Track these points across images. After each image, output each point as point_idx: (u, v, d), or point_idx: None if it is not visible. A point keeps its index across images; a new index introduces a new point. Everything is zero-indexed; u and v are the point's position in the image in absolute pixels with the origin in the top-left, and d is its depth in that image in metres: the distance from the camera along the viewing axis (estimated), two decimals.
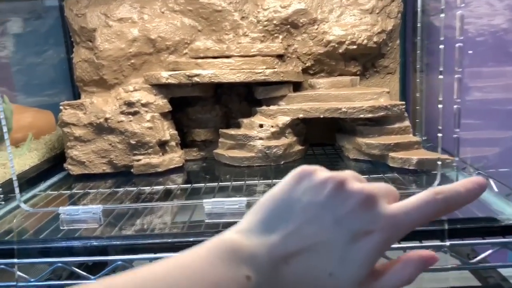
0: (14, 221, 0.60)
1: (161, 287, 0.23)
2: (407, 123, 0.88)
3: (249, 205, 0.58)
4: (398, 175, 0.82)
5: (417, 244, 0.57)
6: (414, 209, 0.28)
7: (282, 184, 0.30)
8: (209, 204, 0.55)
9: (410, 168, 0.81)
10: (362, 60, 1.00)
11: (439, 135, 0.62)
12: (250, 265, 0.25)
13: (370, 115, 0.85)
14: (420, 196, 0.28)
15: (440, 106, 0.60)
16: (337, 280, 0.27)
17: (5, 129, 0.67)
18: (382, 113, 0.85)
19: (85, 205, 0.59)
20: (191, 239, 0.56)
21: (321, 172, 0.29)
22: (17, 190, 0.58)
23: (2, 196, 0.60)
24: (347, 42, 0.94)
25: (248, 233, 0.27)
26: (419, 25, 1.02)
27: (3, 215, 0.66)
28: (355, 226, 0.27)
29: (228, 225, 0.60)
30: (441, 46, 0.60)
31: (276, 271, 0.26)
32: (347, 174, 0.29)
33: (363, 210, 0.27)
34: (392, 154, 0.83)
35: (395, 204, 0.28)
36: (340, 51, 0.96)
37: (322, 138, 1.05)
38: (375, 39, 0.95)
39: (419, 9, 1.02)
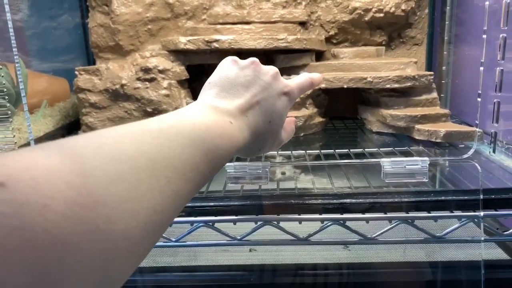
0: None
1: (156, 136, 0.27)
2: (434, 94, 0.85)
3: (271, 171, 0.55)
4: (424, 148, 0.78)
5: (448, 213, 0.54)
6: (301, 85, 0.47)
7: (221, 70, 0.41)
8: (231, 167, 0.53)
9: (436, 141, 0.78)
10: (388, 29, 0.95)
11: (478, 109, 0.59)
12: (229, 115, 0.36)
13: (396, 85, 0.82)
14: (303, 77, 0.48)
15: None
16: (272, 126, 0.41)
17: (23, 92, 0.65)
18: (409, 84, 0.82)
19: None
20: (211, 204, 0.54)
21: (240, 60, 0.43)
22: None
23: None
24: (373, 10, 0.90)
25: (219, 100, 0.38)
26: None
27: None
28: (278, 88, 0.42)
29: (249, 190, 0.58)
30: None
31: (245, 118, 0.37)
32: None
33: (277, 79, 0.43)
34: (418, 126, 0.80)
35: (291, 81, 0.46)
36: (366, 19, 0.91)
37: (342, 111, 1.01)
38: (403, 7, 0.90)
39: None
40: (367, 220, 0.52)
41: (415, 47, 0.99)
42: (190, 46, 0.86)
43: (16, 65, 0.57)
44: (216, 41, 0.85)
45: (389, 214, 0.52)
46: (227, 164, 0.54)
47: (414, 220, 0.51)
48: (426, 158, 0.52)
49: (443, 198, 0.52)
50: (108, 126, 0.77)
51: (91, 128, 0.87)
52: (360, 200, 0.53)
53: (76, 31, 1.05)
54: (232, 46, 0.85)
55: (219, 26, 0.90)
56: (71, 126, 0.94)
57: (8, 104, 0.56)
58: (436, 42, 1.02)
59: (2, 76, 0.57)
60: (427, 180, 0.52)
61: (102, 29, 0.95)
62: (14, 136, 0.57)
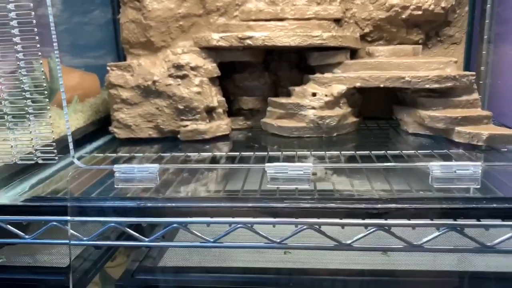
0: (68, 177, 0.57)
1: None
2: (475, 95, 0.81)
3: (314, 172, 0.53)
4: (464, 151, 0.75)
5: (499, 222, 0.51)
6: None
7: None
8: (272, 168, 0.51)
9: (478, 144, 0.75)
10: (425, 27, 0.92)
11: None
12: None
13: (436, 86, 0.79)
14: None
15: None
16: None
17: (62, 88, 0.64)
18: (449, 84, 0.79)
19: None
20: (249, 204, 0.52)
21: None
22: (71, 145, 0.55)
23: (56, 151, 0.57)
24: (411, 7, 0.87)
25: None
26: None
27: (54, 173, 0.64)
28: None
29: (288, 191, 0.57)
30: None
31: None
32: None
33: None
34: (458, 128, 0.77)
35: None
36: (403, 16, 0.88)
37: (375, 111, 0.99)
38: (443, 4, 0.87)
39: None
40: (413, 226, 0.50)
41: (453, 46, 0.95)
42: (222, 43, 0.85)
43: (56, 60, 0.57)
44: (250, 38, 0.83)
45: (436, 221, 0.50)
46: (267, 164, 0.52)
47: (463, 227, 0.49)
48: (478, 163, 0.50)
49: (494, 205, 0.49)
50: (140, 123, 0.76)
51: (122, 124, 0.87)
52: (406, 205, 0.50)
53: (107, 27, 1.05)
54: (266, 43, 0.83)
55: (251, 23, 0.88)
56: (101, 122, 0.94)
57: (47, 99, 0.56)
58: (475, 41, 0.98)
59: (42, 71, 0.56)
60: (479, 186, 0.50)
61: (134, 25, 0.95)
62: (52, 131, 0.56)
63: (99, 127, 0.93)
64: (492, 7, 0.94)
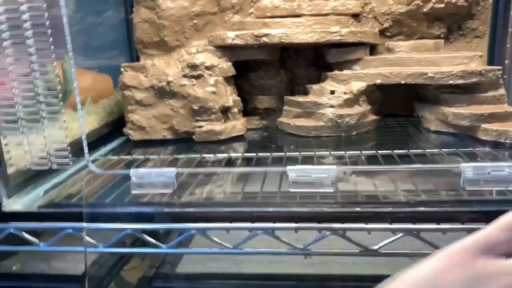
0: (83, 182, 0.56)
1: None
2: (502, 91, 0.78)
3: (339, 176, 0.51)
4: (491, 150, 0.72)
5: None
6: None
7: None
8: (294, 171, 0.49)
9: (506, 142, 0.71)
10: (447, 21, 0.89)
11: None
12: None
13: (460, 81, 0.75)
14: None
15: None
16: None
17: (76, 90, 0.63)
18: (474, 79, 0.75)
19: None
20: (270, 209, 0.50)
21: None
22: (86, 149, 0.54)
23: (70, 155, 0.56)
24: (433, 0, 0.84)
25: None
26: None
27: (68, 177, 0.63)
28: None
29: (311, 196, 0.54)
30: None
31: None
32: None
33: None
34: (484, 126, 0.73)
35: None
36: (425, 10, 0.85)
37: (395, 108, 0.96)
38: None
39: None
40: (443, 231, 0.47)
41: (476, 39, 0.92)
42: (238, 41, 0.83)
43: (71, 61, 0.55)
44: (266, 35, 0.81)
45: (467, 225, 0.47)
46: (289, 167, 0.50)
47: None
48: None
49: None
50: (154, 124, 0.74)
51: (136, 125, 0.85)
52: (435, 208, 0.48)
53: (120, 27, 1.04)
54: (283, 40, 0.81)
55: (267, 20, 0.86)
56: (115, 124, 0.93)
57: (61, 103, 0.54)
58: (499, 34, 0.94)
59: (56, 73, 0.55)
60: None
61: (147, 25, 0.93)
62: (67, 136, 0.55)
63: (113, 128, 0.92)
64: None
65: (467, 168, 0.47)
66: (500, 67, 0.76)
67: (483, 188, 0.47)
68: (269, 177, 0.65)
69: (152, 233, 0.53)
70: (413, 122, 0.92)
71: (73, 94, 0.85)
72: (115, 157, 0.79)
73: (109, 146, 0.87)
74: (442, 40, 0.88)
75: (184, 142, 0.85)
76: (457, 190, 0.49)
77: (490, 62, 0.95)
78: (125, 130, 0.87)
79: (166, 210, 0.50)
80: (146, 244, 0.52)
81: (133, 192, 0.51)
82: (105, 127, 0.90)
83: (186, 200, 0.53)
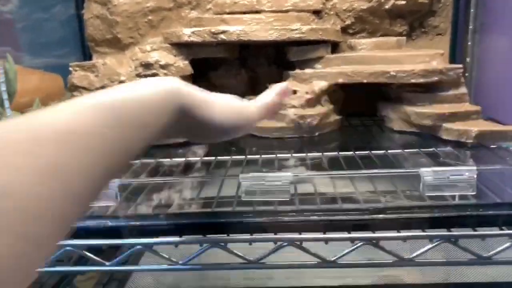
0: None
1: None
2: (463, 89, 0.77)
3: (293, 182, 0.48)
4: (453, 149, 0.71)
5: (497, 231, 0.47)
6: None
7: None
8: (247, 179, 0.46)
9: (467, 141, 0.70)
10: (409, 18, 0.88)
11: None
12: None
13: (422, 80, 0.74)
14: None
15: None
16: None
17: (5, 95, 0.58)
18: (436, 78, 0.74)
19: None
20: (222, 220, 0.47)
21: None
22: None
23: None
24: None
25: None
26: None
27: None
28: None
29: (265, 203, 0.51)
30: None
31: None
32: None
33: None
34: (446, 125, 0.72)
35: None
36: (387, 7, 0.83)
37: (358, 108, 0.94)
38: None
39: None
40: (404, 239, 0.45)
41: (438, 37, 0.91)
42: (194, 39, 0.79)
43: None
44: (223, 32, 0.77)
45: (429, 232, 0.45)
46: (241, 175, 0.47)
47: (458, 239, 0.44)
48: (474, 167, 0.45)
49: (491, 212, 0.45)
50: None
51: None
52: (395, 215, 0.46)
53: (70, 23, 0.97)
54: (241, 38, 0.77)
55: (226, 16, 0.82)
56: None
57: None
58: (460, 32, 0.94)
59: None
60: (474, 193, 0.45)
61: (99, 21, 0.88)
62: None
63: None
64: None
65: (426, 173, 0.45)
66: (461, 66, 0.76)
67: (443, 193, 0.45)
68: (227, 183, 0.62)
69: (98, 250, 0.49)
70: (377, 122, 0.90)
71: (16, 96, 0.79)
72: None
73: None
74: (404, 38, 0.86)
75: None
76: (417, 195, 0.47)
77: (452, 59, 0.95)
78: None
79: (110, 224, 0.46)
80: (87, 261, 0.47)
81: None
82: None
83: (133, 213, 0.49)
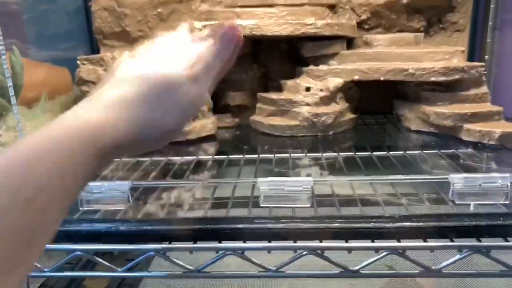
0: None
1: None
2: (484, 89, 0.74)
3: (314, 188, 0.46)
4: (474, 151, 0.68)
5: None
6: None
7: None
8: (265, 184, 0.43)
9: (490, 143, 0.68)
10: (427, 14, 0.85)
11: None
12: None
13: (442, 78, 0.71)
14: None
15: None
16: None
17: (11, 91, 0.56)
18: (457, 76, 0.71)
19: (109, 180, 0.48)
20: (238, 226, 0.45)
21: None
22: None
23: None
24: None
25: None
26: None
27: None
28: None
29: (284, 211, 0.49)
30: None
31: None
32: None
33: None
34: (468, 126, 0.70)
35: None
36: (404, 1, 0.81)
37: (372, 105, 0.91)
38: None
39: None
40: (431, 249, 0.42)
41: (456, 33, 0.88)
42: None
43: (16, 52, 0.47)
44: None
45: (456, 242, 0.43)
46: (260, 180, 0.44)
47: (489, 249, 0.42)
48: (507, 175, 0.43)
49: None
50: None
51: None
52: (422, 224, 0.43)
53: (78, 15, 0.95)
54: (254, 33, 0.75)
55: (238, 9, 0.80)
56: None
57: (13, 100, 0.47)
58: (480, 28, 0.91)
59: (6, 68, 0.48)
60: (508, 202, 0.43)
61: (107, 13, 0.85)
62: (1, 135, 0.47)
63: None
64: None
65: (457, 180, 0.43)
66: (483, 64, 0.73)
67: (474, 202, 0.43)
68: (240, 185, 0.60)
69: (107, 252, 0.46)
70: (392, 120, 0.88)
71: (22, 90, 0.77)
72: None
73: None
74: (422, 34, 0.83)
75: None
76: (445, 203, 0.45)
77: (471, 57, 0.92)
78: None
79: (121, 228, 0.44)
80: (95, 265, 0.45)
81: (81, 208, 0.44)
82: None
83: (144, 217, 0.47)
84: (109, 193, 0.43)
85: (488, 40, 0.90)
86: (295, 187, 0.42)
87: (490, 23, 0.89)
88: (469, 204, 0.43)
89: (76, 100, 0.89)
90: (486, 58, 0.91)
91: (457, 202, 0.43)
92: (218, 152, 0.76)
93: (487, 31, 0.90)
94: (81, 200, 0.44)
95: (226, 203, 0.51)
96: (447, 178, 0.44)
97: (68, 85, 0.93)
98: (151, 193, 0.53)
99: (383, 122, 0.88)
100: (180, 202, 0.53)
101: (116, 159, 0.72)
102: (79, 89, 0.78)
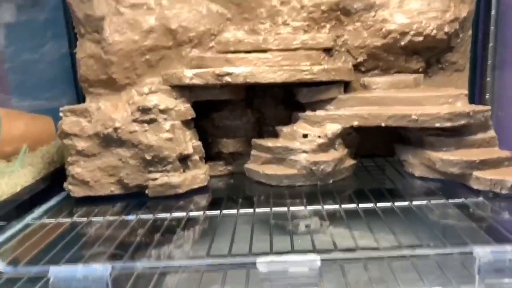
0: None
1: None
2: (492, 133, 0.71)
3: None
4: (486, 201, 0.64)
5: None
6: None
7: None
8: (265, 265, 0.38)
9: (502, 192, 0.63)
10: (426, 54, 0.82)
11: None
12: None
13: (448, 124, 0.68)
14: None
15: None
16: None
17: None
18: (463, 122, 0.68)
19: (86, 262, 0.42)
20: None
21: None
22: None
23: None
24: (411, 33, 0.77)
25: None
26: (493, 12, 0.84)
27: None
28: None
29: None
30: None
31: None
32: None
33: None
34: (477, 174, 0.65)
35: None
36: (402, 43, 0.78)
37: (371, 148, 0.87)
38: (446, 29, 0.77)
39: None
40: None
41: (456, 73, 0.85)
42: (197, 81, 0.72)
43: None
44: (229, 74, 0.71)
45: None
46: (259, 260, 0.38)
47: None
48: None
49: None
50: (99, 178, 0.62)
51: (78, 180, 0.72)
52: None
53: (62, 62, 0.91)
54: (248, 80, 0.71)
55: (230, 55, 0.76)
56: (55, 176, 0.80)
57: None
58: (479, 67, 0.88)
59: None
60: None
61: (93, 60, 0.82)
62: None
63: (52, 182, 0.79)
64: (496, 29, 0.85)
65: (483, 253, 0.38)
66: (489, 108, 0.69)
67: (504, 280, 0.38)
68: (238, 238, 0.55)
69: None
70: (393, 164, 0.84)
71: (2, 143, 0.72)
72: (52, 220, 0.67)
73: (47, 205, 0.74)
74: (422, 76, 0.81)
75: (135, 197, 0.73)
76: (471, 281, 0.39)
77: (471, 96, 0.89)
78: (65, 185, 0.74)
79: None
80: None
81: None
82: (42, 182, 0.77)
83: None
84: (84, 283, 0.37)
85: (488, 79, 0.88)
86: (299, 268, 0.37)
87: (489, 62, 0.87)
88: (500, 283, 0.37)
89: (59, 151, 0.84)
90: (487, 97, 0.88)
91: (486, 282, 0.37)
92: (211, 205, 0.71)
93: (487, 70, 0.87)
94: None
95: None
96: (471, 253, 0.39)
97: (51, 135, 0.88)
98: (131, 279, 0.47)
99: (384, 168, 0.84)
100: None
101: (99, 218, 0.67)
102: (61, 143, 0.73)
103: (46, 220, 0.67)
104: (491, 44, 0.86)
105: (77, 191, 0.73)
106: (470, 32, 0.83)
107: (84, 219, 0.66)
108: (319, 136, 0.74)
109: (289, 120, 0.82)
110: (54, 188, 0.77)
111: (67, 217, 0.68)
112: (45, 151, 0.82)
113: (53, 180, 0.78)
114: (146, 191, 0.73)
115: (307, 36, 0.77)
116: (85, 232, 0.63)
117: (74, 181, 0.73)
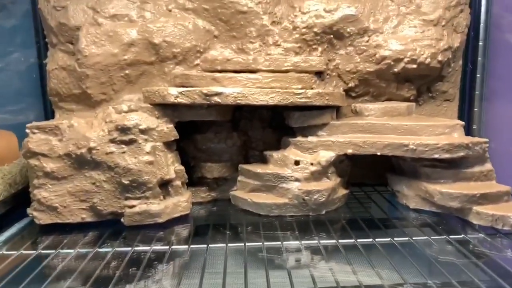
0: None
1: None
2: (489, 166, 0.69)
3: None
4: (486, 237, 0.61)
5: None
6: None
7: None
8: None
9: (504, 228, 0.61)
10: (418, 82, 0.80)
11: None
12: None
13: (447, 156, 0.65)
14: None
15: None
16: None
17: None
18: (461, 153, 0.65)
19: None
20: None
21: None
22: None
23: None
24: (405, 60, 0.75)
25: None
26: (481, 43, 0.84)
27: None
28: None
29: None
30: None
31: None
32: None
33: None
34: (477, 209, 0.63)
35: None
36: (396, 70, 0.76)
37: (360, 177, 0.84)
38: (439, 57, 0.75)
39: (482, 24, 0.84)
40: None
41: (446, 103, 0.84)
42: (183, 100, 0.67)
43: None
44: (218, 94, 0.66)
45: None
46: None
47: None
48: None
49: None
50: (69, 203, 0.55)
51: (45, 205, 0.64)
52: None
53: (29, 74, 0.83)
54: (238, 101, 0.66)
55: (217, 74, 0.71)
56: (17, 199, 0.71)
57: None
58: (468, 98, 0.88)
59: None
60: None
61: (65, 73, 0.75)
62: None
63: (14, 206, 0.70)
64: (483, 60, 0.85)
65: None
66: (487, 140, 0.68)
67: None
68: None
69: None
70: (383, 195, 0.80)
71: None
72: (14, 253, 0.58)
73: (7, 233, 0.66)
74: (414, 104, 0.79)
75: (109, 226, 0.66)
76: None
77: None
78: (29, 210, 0.66)
79: None
80: None
81: None
82: (2, 205, 0.68)
83: None
84: None
85: (475, 109, 0.87)
86: None
87: (477, 92, 0.86)
88: None
89: (22, 171, 0.76)
90: (474, 127, 0.87)
91: None
92: (196, 236, 0.65)
93: (474, 100, 0.86)
94: None
95: None
96: None
97: (14, 152, 0.79)
98: None
99: (375, 197, 0.80)
100: None
101: (69, 250, 0.59)
102: (26, 163, 0.65)
103: (5, 252, 0.59)
104: (478, 75, 0.85)
105: (43, 218, 0.65)
106: (460, 62, 0.82)
107: (52, 251, 0.59)
108: (312, 164, 0.70)
109: (277, 144, 0.77)
110: (16, 213, 0.69)
111: (31, 248, 0.60)
112: (6, 171, 0.73)
113: (15, 204, 0.70)
114: (122, 219, 0.65)
115: (298, 58, 0.74)
116: (53, 267, 0.55)
117: (40, 206, 0.64)
